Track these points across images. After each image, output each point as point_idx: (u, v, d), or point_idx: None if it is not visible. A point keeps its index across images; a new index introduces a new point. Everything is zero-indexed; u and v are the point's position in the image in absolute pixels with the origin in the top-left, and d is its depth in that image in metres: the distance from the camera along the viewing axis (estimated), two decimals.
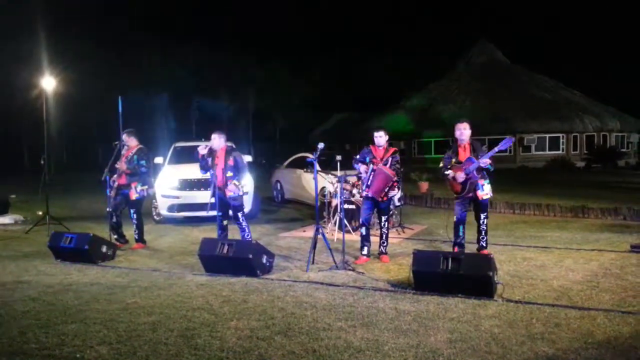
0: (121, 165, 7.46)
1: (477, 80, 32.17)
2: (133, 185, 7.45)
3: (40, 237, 8.35)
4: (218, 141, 6.85)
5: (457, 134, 6.30)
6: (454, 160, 6.31)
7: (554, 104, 29.81)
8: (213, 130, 7.01)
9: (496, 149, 6.06)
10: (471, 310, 4.40)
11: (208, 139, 7.03)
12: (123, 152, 7.63)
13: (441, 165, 6.45)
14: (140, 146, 7.65)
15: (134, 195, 7.46)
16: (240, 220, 6.92)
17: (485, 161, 6.02)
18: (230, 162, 6.83)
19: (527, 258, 6.37)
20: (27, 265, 6.56)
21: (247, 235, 6.94)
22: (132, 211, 7.58)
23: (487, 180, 6.30)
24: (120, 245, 7.46)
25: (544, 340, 3.75)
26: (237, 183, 6.81)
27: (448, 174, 6.31)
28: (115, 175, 7.51)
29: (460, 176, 6.17)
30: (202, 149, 6.77)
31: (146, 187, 7.61)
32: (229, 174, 6.79)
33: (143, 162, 7.49)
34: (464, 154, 6.24)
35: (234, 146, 7.29)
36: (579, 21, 49.34)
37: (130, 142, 7.61)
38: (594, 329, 3.93)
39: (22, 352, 3.74)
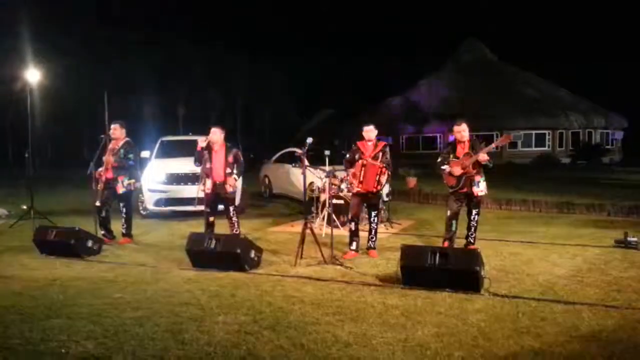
0: (108, 158, 7.36)
1: (464, 77, 32.32)
2: (120, 179, 7.35)
3: (25, 231, 8.24)
4: (219, 135, 6.87)
5: (458, 136, 6.32)
6: (451, 155, 6.34)
7: (540, 100, 30.08)
8: (213, 124, 7.16)
9: (493, 144, 6.13)
10: (458, 305, 4.43)
11: (195, 133, 7.02)
12: (110, 144, 7.51)
13: (439, 160, 6.49)
14: (127, 139, 7.54)
15: (120, 190, 7.37)
16: (232, 214, 6.95)
17: (483, 157, 6.05)
18: (231, 159, 6.88)
19: (513, 253, 6.43)
20: (12, 260, 6.47)
21: (236, 230, 6.93)
22: (121, 205, 7.51)
23: (484, 178, 6.33)
24: (107, 241, 7.39)
25: (530, 334, 3.79)
26: (236, 178, 6.89)
27: (444, 169, 6.34)
28: (101, 169, 7.41)
29: (457, 170, 6.21)
30: (202, 141, 6.78)
31: (133, 180, 7.53)
32: (229, 170, 6.85)
33: (130, 155, 7.40)
34: (462, 151, 6.29)
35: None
36: (566, 19, 49.79)
37: (119, 134, 7.47)
38: (579, 323, 3.98)
39: (6, 347, 3.69)
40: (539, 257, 6.21)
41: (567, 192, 11.93)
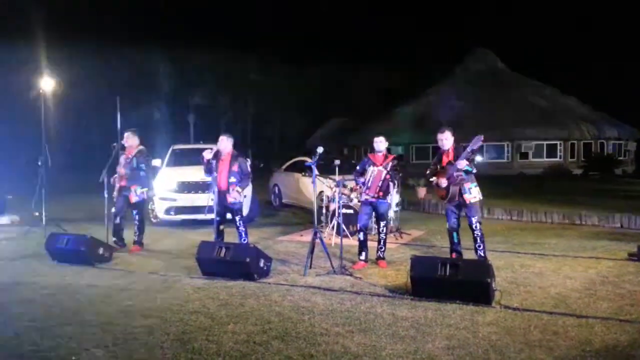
0: (120, 170, 7.49)
1: (475, 87, 32.23)
2: (133, 188, 7.46)
3: (37, 238, 8.31)
4: (226, 143, 6.82)
5: (440, 144, 6.23)
6: (438, 167, 6.26)
7: (551, 111, 29.89)
8: (220, 132, 7.13)
9: (468, 149, 5.94)
10: (469, 317, 4.39)
11: (206, 141, 7.05)
12: (123, 153, 7.61)
13: (428, 172, 6.43)
14: (141, 147, 7.64)
15: (133, 198, 7.48)
16: (239, 224, 6.91)
17: (460, 163, 5.91)
18: (235, 167, 6.81)
19: (524, 265, 6.37)
20: (24, 267, 6.52)
21: (244, 239, 6.93)
22: (134, 212, 7.61)
23: (474, 184, 6.14)
24: (117, 249, 7.44)
25: (542, 347, 3.74)
26: (239, 190, 6.78)
27: (432, 181, 6.30)
28: (115, 176, 7.55)
29: (443, 181, 6.11)
30: (208, 153, 6.72)
31: (146, 189, 7.66)
32: (232, 179, 6.77)
33: (142, 166, 7.51)
34: (446, 160, 6.17)
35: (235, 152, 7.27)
36: (577, 29, 49.63)
37: (132, 142, 7.59)
38: (592, 337, 3.93)
39: (17, 354, 3.71)
40: (550, 269, 6.14)
41: (579, 204, 11.81)
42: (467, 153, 5.95)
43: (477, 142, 5.96)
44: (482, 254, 6.19)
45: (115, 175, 7.53)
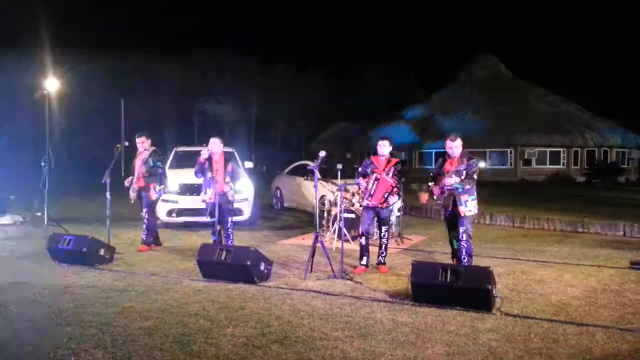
0: (140, 168, 7.64)
1: (479, 93, 32.24)
2: (152, 186, 7.64)
3: (39, 238, 8.33)
4: (218, 145, 7.11)
5: (449, 152, 6.13)
6: (442, 172, 6.15)
7: (555, 118, 29.86)
8: (213, 135, 7.33)
9: (454, 168, 5.91)
10: (469, 323, 4.38)
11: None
12: (138, 155, 7.80)
13: (431, 175, 6.39)
14: (154, 148, 7.86)
15: (153, 196, 7.67)
16: (229, 225, 7.19)
17: (448, 180, 5.83)
18: (229, 168, 7.13)
19: (526, 272, 6.35)
20: (24, 267, 6.53)
21: (230, 242, 7.17)
22: (145, 210, 7.73)
23: (473, 197, 5.99)
24: (154, 247, 7.83)
25: (542, 355, 3.72)
26: (232, 185, 7.15)
27: (430, 186, 6.25)
28: (132, 178, 7.70)
29: (436, 190, 6.06)
30: (205, 152, 6.99)
31: (163, 186, 7.86)
32: (228, 179, 7.10)
33: (159, 163, 7.74)
34: (450, 167, 6.06)
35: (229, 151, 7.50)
36: (583, 36, 49.61)
37: (146, 145, 7.79)
38: (592, 346, 3.91)
39: (15, 354, 3.71)
40: (552, 277, 6.12)
41: (582, 211, 11.77)
42: (452, 172, 5.87)
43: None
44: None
45: (132, 177, 7.67)
